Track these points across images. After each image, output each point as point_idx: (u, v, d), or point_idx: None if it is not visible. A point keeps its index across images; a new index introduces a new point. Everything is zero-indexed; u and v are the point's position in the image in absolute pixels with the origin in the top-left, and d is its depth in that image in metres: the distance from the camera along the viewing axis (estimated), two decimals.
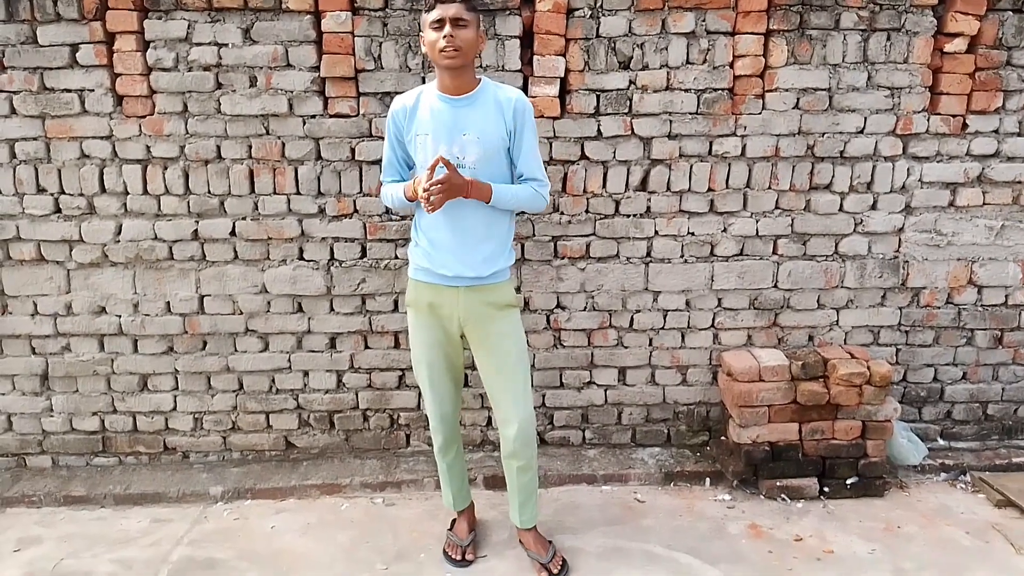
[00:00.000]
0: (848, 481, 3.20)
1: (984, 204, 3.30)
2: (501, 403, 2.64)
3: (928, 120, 3.20)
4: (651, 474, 3.33)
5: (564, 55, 3.07)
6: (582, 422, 3.51)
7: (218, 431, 3.44)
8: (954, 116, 3.20)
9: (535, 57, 3.07)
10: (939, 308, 3.41)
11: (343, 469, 3.37)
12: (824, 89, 3.15)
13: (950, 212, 3.31)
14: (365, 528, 3.02)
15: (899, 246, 3.33)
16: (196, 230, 3.21)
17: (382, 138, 3.08)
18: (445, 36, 2.30)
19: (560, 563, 2.72)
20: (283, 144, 3.14)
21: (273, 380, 3.39)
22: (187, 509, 3.18)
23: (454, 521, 2.93)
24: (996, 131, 3.23)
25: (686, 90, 3.13)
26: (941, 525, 3.00)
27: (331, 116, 3.13)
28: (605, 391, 3.47)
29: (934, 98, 3.19)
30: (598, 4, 3.04)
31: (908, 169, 3.25)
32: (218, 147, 3.14)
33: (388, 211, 3.20)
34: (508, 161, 2.53)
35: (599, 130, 3.16)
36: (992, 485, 3.19)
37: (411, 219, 3.02)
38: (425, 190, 2.30)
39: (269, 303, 3.30)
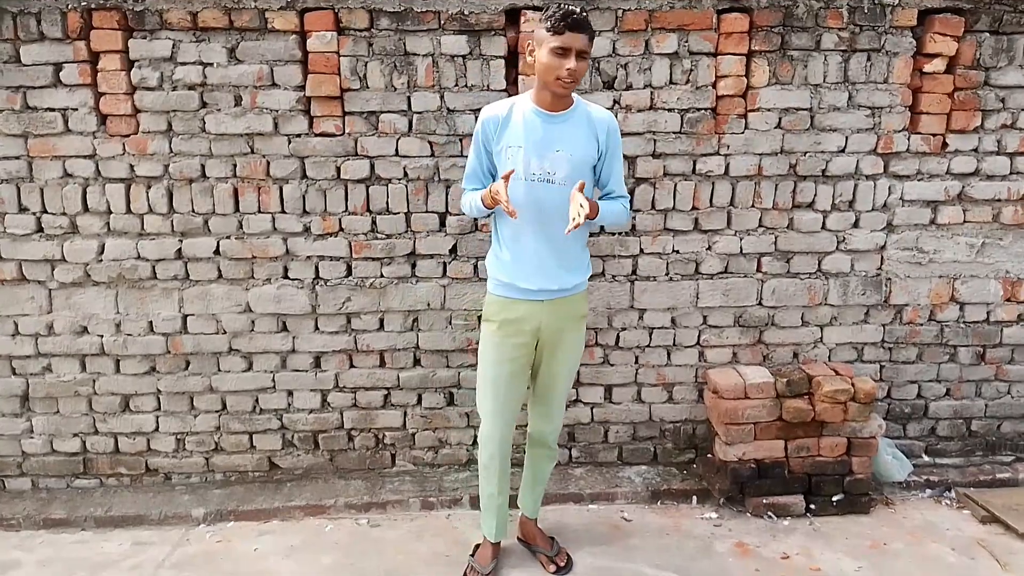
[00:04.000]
0: (834, 498, 3.20)
1: (965, 222, 3.34)
2: (548, 405, 2.75)
3: (908, 139, 3.24)
4: (638, 492, 3.32)
5: None
6: (569, 440, 3.50)
7: (201, 452, 3.40)
8: (934, 135, 3.24)
9: (520, 77, 3.09)
10: (922, 325, 3.44)
11: (327, 490, 3.34)
12: (805, 109, 3.18)
13: (931, 230, 3.34)
14: (350, 550, 2.99)
15: (881, 263, 3.36)
16: (180, 249, 3.19)
17: (367, 157, 3.13)
18: (568, 69, 2.30)
19: (565, 557, 2.86)
20: (268, 163, 3.14)
21: (257, 400, 3.37)
22: (169, 532, 3.14)
23: (477, 547, 2.88)
24: (975, 150, 3.27)
25: (669, 110, 3.16)
26: (927, 542, 3.00)
27: (316, 135, 3.12)
28: (591, 409, 3.46)
29: (914, 117, 3.23)
30: None
31: (889, 187, 3.29)
32: (202, 166, 3.13)
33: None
34: (592, 177, 2.56)
35: None
36: (977, 501, 3.20)
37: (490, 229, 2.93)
38: (577, 215, 2.28)
39: (253, 322, 3.28)
